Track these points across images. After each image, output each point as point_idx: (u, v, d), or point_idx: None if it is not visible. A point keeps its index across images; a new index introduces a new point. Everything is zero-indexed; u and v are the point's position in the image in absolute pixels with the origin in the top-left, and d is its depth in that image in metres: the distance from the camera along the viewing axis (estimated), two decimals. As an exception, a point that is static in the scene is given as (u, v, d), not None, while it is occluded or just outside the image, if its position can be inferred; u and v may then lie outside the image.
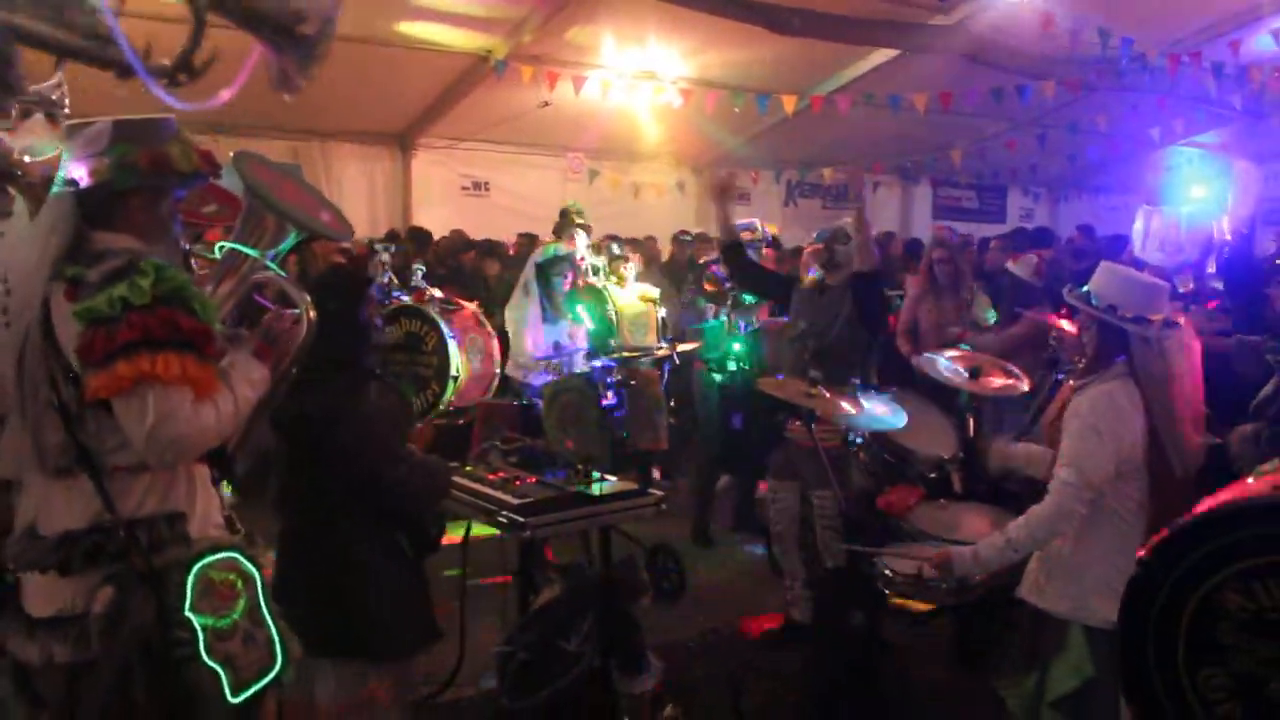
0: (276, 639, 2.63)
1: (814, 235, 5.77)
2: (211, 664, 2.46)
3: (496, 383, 6.48)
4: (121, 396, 2.35)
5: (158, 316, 2.34)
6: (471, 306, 6.49)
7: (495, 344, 6.37)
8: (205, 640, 2.46)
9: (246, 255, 2.81)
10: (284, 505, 3.61)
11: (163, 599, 2.43)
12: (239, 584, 2.57)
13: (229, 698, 2.48)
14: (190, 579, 2.47)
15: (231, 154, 2.76)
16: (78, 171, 2.45)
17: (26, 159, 2.69)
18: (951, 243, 8.17)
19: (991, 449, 4.03)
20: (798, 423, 5.05)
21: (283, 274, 2.93)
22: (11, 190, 2.73)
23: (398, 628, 3.53)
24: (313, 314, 2.83)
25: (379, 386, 3.60)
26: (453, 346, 5.86)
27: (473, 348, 6.16)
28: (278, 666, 2.62)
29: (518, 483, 4.24)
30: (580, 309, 7.01)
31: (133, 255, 2.40)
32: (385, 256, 6.78)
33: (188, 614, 2.45)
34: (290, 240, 2.89)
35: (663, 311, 7.84)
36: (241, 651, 2.53)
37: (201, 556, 2.51)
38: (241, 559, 2.60)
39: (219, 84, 1.64)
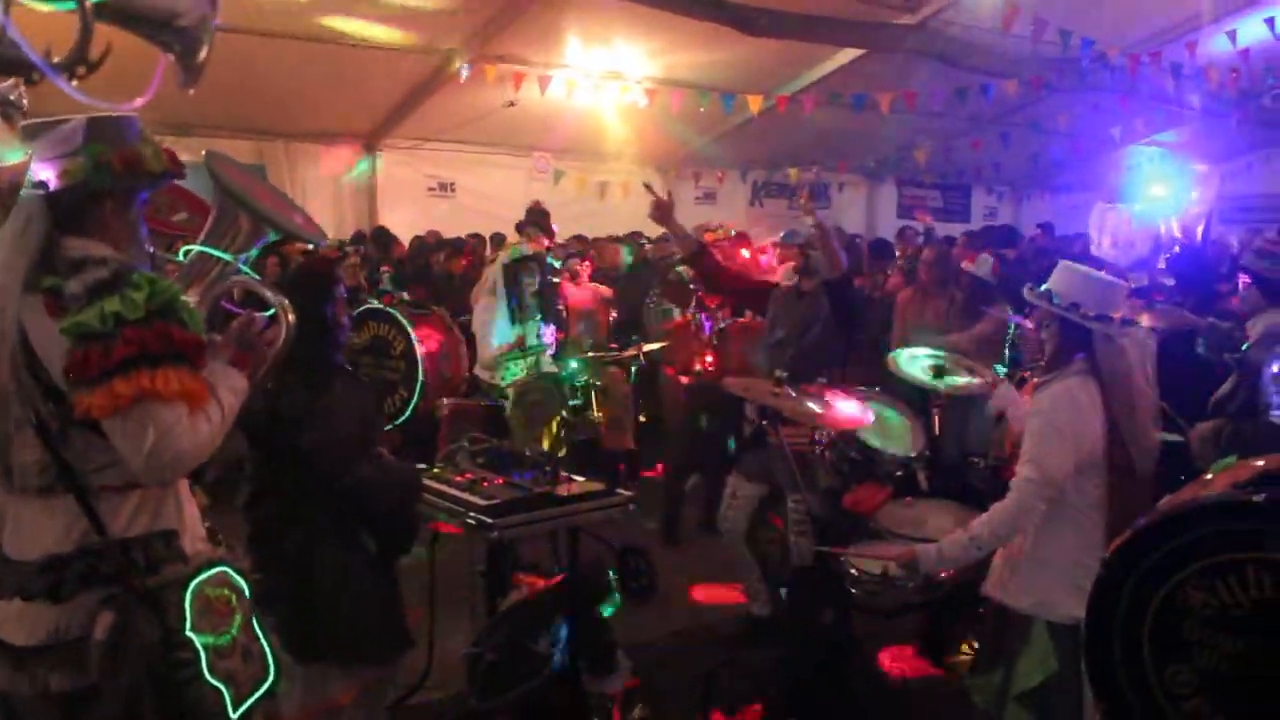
0: (268, 650, 2.59)
1: (780, 235, 5.79)
2: (214, 683, 2.39)
3: (465, 385, 6.49)
4: (118, 415, 2.23)
5: (154, 331, 2.24)
6: (440, 310, 6.50)
7: (464, 348, 6.37)
8: (207, 659, 2.39)
9: (217, 259, 2.71)
10: (252, 508, 3.60)
11: (164, 620, 2.35)
12: (233, 599, 2.51)
13: (230, 714, 2.42)
14: (188, 597, 2.40)
15: (204, 153, 2.69)
16: (45, 173, 2.32)
17: None
18: (939, 243, 8.20)
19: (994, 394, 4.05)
20: (764, 423, 5.05)
21: (256, 277, 2.85)
22: None
23: (364, 632, 3.51)
24: (292, 317, 2.76)
25: (345, 384, 3.60)
26: (420, 351, 5.85)
27: (441, 353, 6.16)
28: (270, 678, 2.57)
29: (485, 484, 4.23)
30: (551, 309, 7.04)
31: (117, 265, 2.29)
32: (356, 260, 6.77)
33: (189, 634, 2.37)
34: (267, 240, 2.83)
35: (614, 313, 7.87)
36: (241, 667, 2.47)
37: (198, 574, 2.44)
38: (232, 573, 2.54)
39: (138, 85, 1.64)
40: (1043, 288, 3.53)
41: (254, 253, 2.81)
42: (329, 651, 3.48)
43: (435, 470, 4.46)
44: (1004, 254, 8.55)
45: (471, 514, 3.93)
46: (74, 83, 1.37)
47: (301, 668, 3.48)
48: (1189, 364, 5.25)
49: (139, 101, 1.53)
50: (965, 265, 6.99)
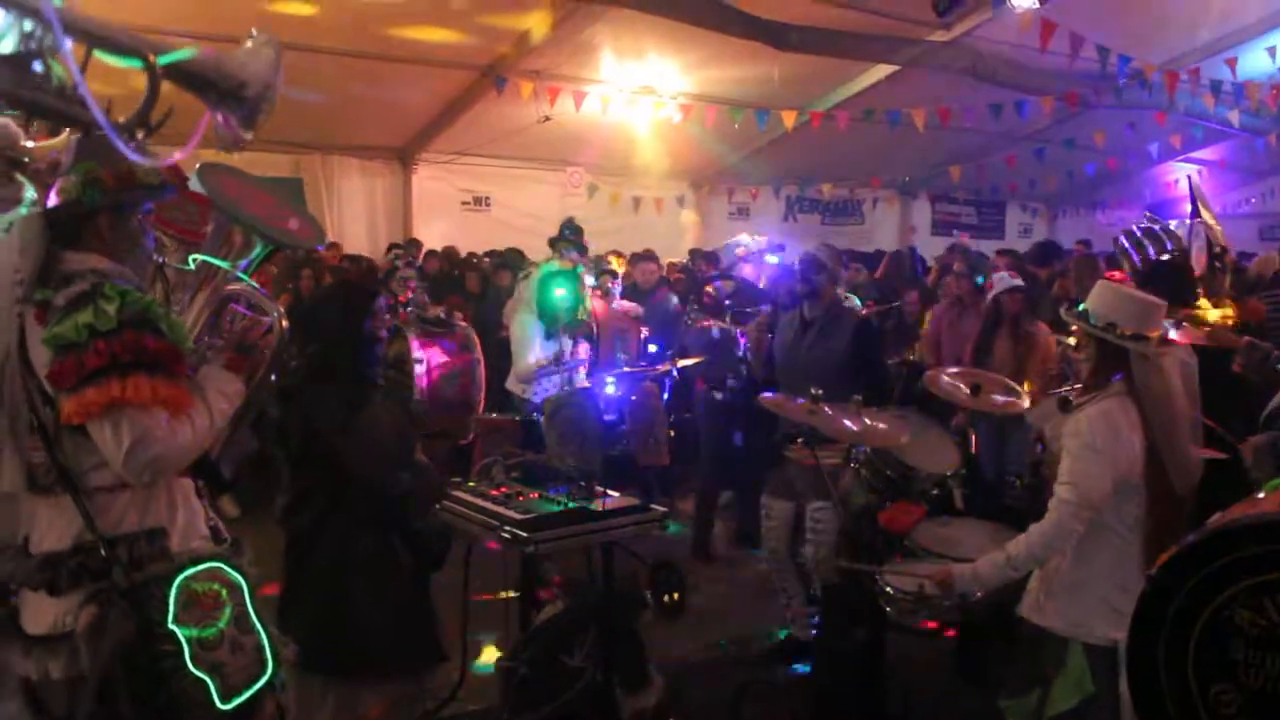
0: (266, 644, 2.66)
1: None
2: (198, 673, 2.49)
3: (478, 408, 6.50)
4: (95, 421, 2.38)
5: (124, 340, 2.37)
6: (464, 328, 6.51)
7: (481, 369, 6.36)
8: (190, 651, 2.49)
9: (217, 267, 2.85)
10: (286, 520, 3.62)
11: (143, 613, 2.46)
12: (224, 593, 2.60)
13: (218, 704, 2.51)
14: (172, 592, 2.51)
15: (197, 167, 2.80)
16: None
17: (33, 145, 2.69)
18: (972, 257, 8.12)
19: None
20: (799, 442, 5.03)
21: (254, 285, 2.97)
22: (19, 178, 2.73)
23: (396, 645, 3.52)
24: (285, 323, 2.90)
25: (383, 399, 3.61)
26: (419, 370, 5.92)
27: (448, 374, 6.18)
28: (268, 671, 2.64)
29: (520, 498, 4.24)
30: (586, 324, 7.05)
31: (98, 278, 2.42)
32: (410, 273, 6.80)
33: (171, 626, 2.48)
34: (259, 250, 2.94)
35: (644, 330, 7.88)
36: (229, 659, 2.56)
37: (182, 569, 2.55)
38: (226, 568, 2.64)
39: (179, 134, 1.71)
40: (1080, 307, 3.51)
41: (256, 257, 2.94)
42: (362, 664, 3.49)
43: (470, 484, 4.48)
44: (1035, 272, 8.44)
45: (507, 528, 3.93)
46: (131, 144, 1.42)
47: (328, 682, 3.48)
48: (1226, 382, 5.20)
49: (178, 155, 1.59)
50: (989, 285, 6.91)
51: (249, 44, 1.74)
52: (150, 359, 2.40)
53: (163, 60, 1.39)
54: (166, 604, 2.49)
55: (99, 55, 1.37)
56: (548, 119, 10.81)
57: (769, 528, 5.58)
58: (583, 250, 7.41)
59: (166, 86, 1.43)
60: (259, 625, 2.66)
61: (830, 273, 5.46)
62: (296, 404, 3.47)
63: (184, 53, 1.45)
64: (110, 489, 2.50)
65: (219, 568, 2.62)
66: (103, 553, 2.46)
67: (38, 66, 1.35)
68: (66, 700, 2.49)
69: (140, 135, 1.44)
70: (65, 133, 2.57)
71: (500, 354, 7.84)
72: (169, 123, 1.54)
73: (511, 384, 7.26)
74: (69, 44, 1.29)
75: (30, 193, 2.64)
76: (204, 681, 2.50)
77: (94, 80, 1.40)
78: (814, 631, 5.37)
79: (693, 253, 11.92)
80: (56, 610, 2.49)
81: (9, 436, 2.53)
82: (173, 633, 2.48)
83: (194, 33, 8.66)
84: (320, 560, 3.50)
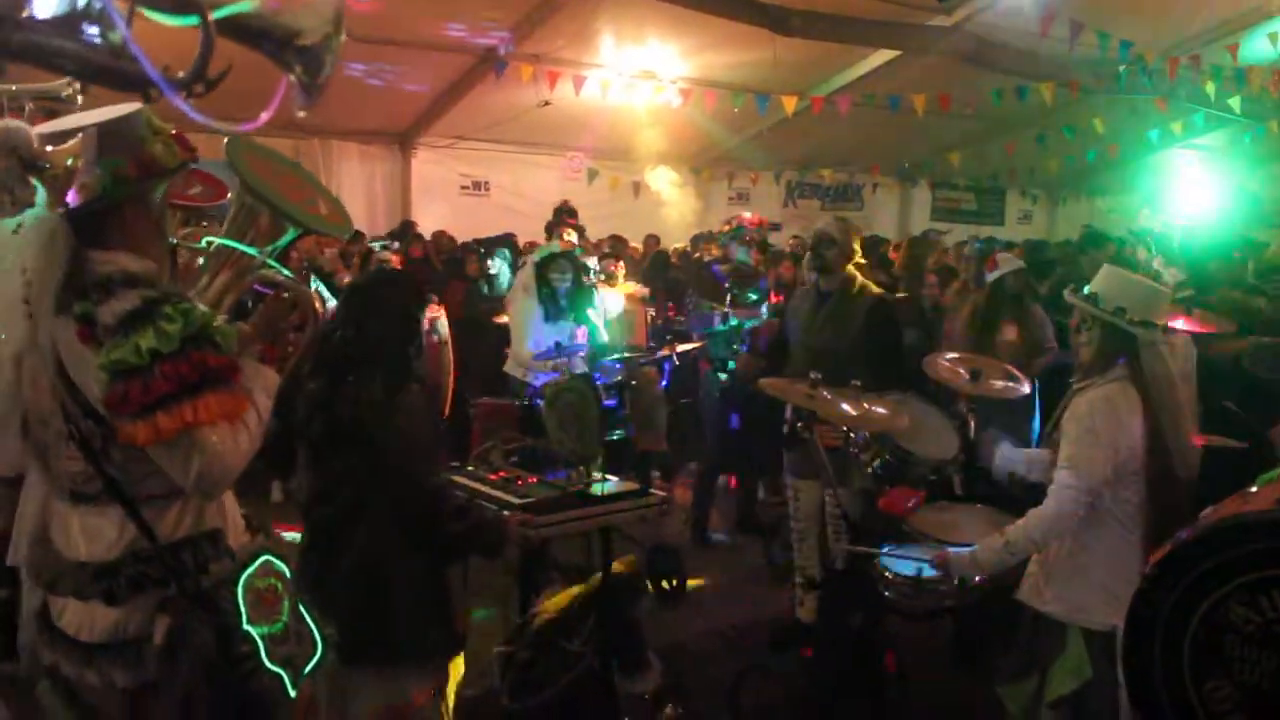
0: (314, 627, 2.67)
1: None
2: (275, 669, 2.49)
3: (449, 392, 6.46)
4: (162, 445, 2.29)
5: (190, 362, 2.28)
6: (435, 310, 6.49)
7: (449, 352, 6.32)
8: (265, 648, 2.48)
9: (240, 251, 2.73)
10: (314, 508, 3.53)
11: (220, 618, 2.43)
12: (279, 586, 2.59)
13: (291, 695, 2.52)
14: (240, 592, 2.48)
15: (225, 141, 2.67)
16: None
17: (50, 148, 2.62)
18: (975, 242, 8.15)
19: (995, 456, 4.03)
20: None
21: (287, 272, 2.89)
22: (34, 181, 2.66)
23: (431, 631, 3.47)
24: (324, 306, 2.82)
25: (419, 388, 3.54)
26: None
27: None
28: (319, 652, 2.65)
29: (520, 483, 4.24)
30: (589, 310, 7.05)
31: (146, 291, 2.31)
32: (388, 256, 6.79)
33: (246, 628, 2.46)
34: (289, 235, 2.84)
35: (652, 311, 7.86)
36: (297, 650, 2.57)
37: (245, 568, 2.52)
38: (275, 560, 2.61)
39: (247, 97, 1.60)
40: (1086, 290, 3.50)
41: (284, 241, 2.83)
42: (401, 655, 3.42)
43: (469, 469, 4.48)
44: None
45: (506, 512, 3.93)
46: (190, 100, 1.37)
47: (371, 674, 3.42)
48: (1238, 377, 5.22)
49: (264, 117, 1.53)
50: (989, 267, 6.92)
51: None
52: (214, 375, 2.32)
53: (219, 14, 1.34)
54: (238, 605, 2.46)
55: (151, 15, 1.32)
56: (547, 103, 10.76)
57: (797, 508, 5.58)
58: (579, 231, 7.39)
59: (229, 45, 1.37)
60: (304, 609, 2.66)
61: (841, 247, 5.44)
62: (330, 384, 3.42)
63: (242, 4, 1.40)
64: (164, 496, 2.44)
65: (270, 560, 2.59)
66: (164, 560, 2.41)
67: (91, 29, 1.30)
68: (127, 708, 2.44)
69: (199, 91, 1.39)
70: (79, 138, 2.47)
71: (499, 339, 7.85)
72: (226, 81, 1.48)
73: (511, 367, 7.26)
74: (116, 1, 1.24)
75: (42, 196, 2.54)
76: (279, 675, 2.50)
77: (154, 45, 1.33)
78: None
79: (694, 238, 11.87)
80: (115, 618, 2.42)
81: (27, 439, 2.46)
82: (248, 634, 2.46)
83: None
84: (355, 550, 3.41)
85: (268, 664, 2.47)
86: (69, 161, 2.45)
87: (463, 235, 11.50)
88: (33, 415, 2.44)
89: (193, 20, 1.33)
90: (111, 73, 1.34)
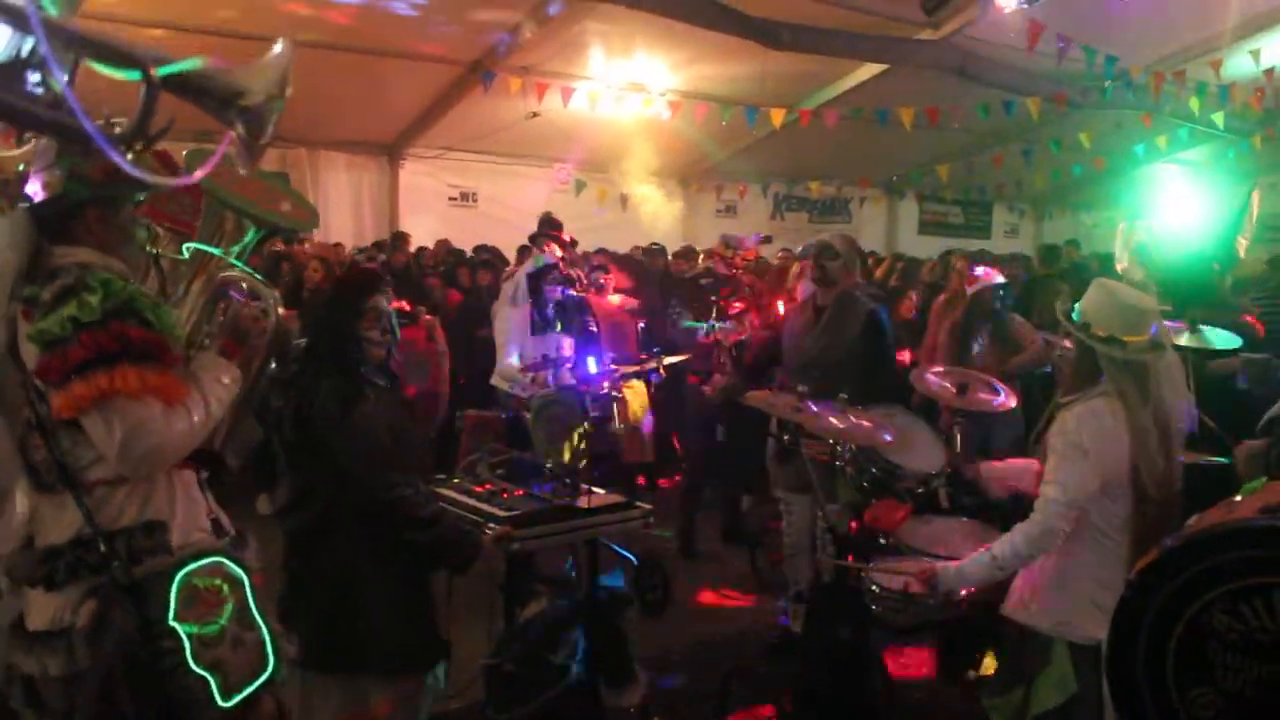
0: (268, 640, 2.64)
1: (798, 250, 5.77)
2: (199, 671, 2.47)
3: (445, 401, 6.42)
4: (87, 415, 2.34)
5: (109, 332, 2.32)
6: (428, 320, 6.47)
7: (446, 361, 6.30)
8: (192, 648, 2.47)
9: (212, 254, 2.80)
10: (285, 519, 3.56)
11: (144, 610, 2.43)
12: (225, 589, 2.58)
13: (219, 702, 2.49)
14: (174, 588, 2.48)
15: (184, 154, 2.70)
16: (32, 186, 2.42)
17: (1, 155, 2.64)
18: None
19: (980, 471, 4.03)
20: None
21: (249, 271, 2.91)
22: None
23: (406, 643, 3.46)
24: (280, 309, 2.88)
25: (378, 397, 3.50)
26: None
27: (413, 364, 6.13)
28: (270, 668, 2.62)
29: (505, 495, 4.23)
30: (578, 322, 7.05)
31: (82, 270, 2.37)
32: (369, 266, 6.78)
33: (172, 623, 2.45)
34: (251, 235, 2.89)
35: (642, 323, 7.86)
36: (231, 656, 2.54)
37: (184, 564, 2.51)
38: (227, 563, 2.61)
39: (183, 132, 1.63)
40: (1075, 305, 3.50)
41: (249, 242, 2.89)
42: (370, 661, 3.41)
43: (455, 480, 4.47)
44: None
45: (491, 525, 3.92)
46: (129, 157, 1.37)
47: (334, 680, 3.43)
48: (1231, 394, 5.24)
49: (199, 174, 1.54)
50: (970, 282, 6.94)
51: (272, 50, 1.68)
52: (137, 349, 2.35)
53: (163, 71, 1.34)
54: (168, 600, 2.46)
55: (95, 66, 1.32)
56: (535, 115, 10.79)
57: (790, 522, 5.57)
58: (563, 244, 7.38)
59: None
60: (260, 621, 2.64)
61: (845, 260, 5.43)
62: (292, 393, 3.43)
63: (189, 63, 1.40)
64: (109, 483, 2.46)
65: (220, 562, 2.59)
66: (101, 548, 2.42)
67: (32, 76, 1.30)
68: (65, 698, 2.45)
69: (138, 148, 1.39)
70: (31, 143, 2.50)
71: (485, 352, 7.83)
72: (172, 128, 1.49)
73: (497, 380, 7.24)
74: (57, 53, 1.24)
75: None
76: (205, 679, 2.47)
77: (101, 89, 1.34)
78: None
79: (677, 253, 11.88)
80: (56, 606, 2.45)
81: (8, 434, 2.49)
82: (174, 629, 2.45)
83: (178, 24, 8.66)
84: (327, 557, 3.43)
85: (192, 664, 2.46)
86: (19, 168, 2.48)
87: (450, 247, 11.50)
88: (9, 406, 2.47)
89: (134, 76, 1.33)
90: (49, 124, 1.34)
